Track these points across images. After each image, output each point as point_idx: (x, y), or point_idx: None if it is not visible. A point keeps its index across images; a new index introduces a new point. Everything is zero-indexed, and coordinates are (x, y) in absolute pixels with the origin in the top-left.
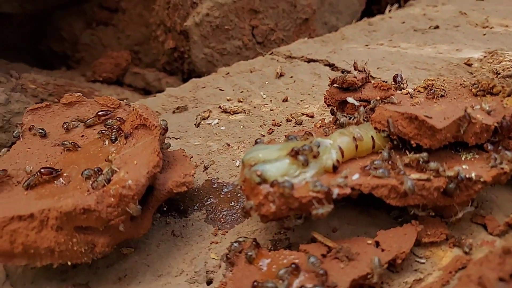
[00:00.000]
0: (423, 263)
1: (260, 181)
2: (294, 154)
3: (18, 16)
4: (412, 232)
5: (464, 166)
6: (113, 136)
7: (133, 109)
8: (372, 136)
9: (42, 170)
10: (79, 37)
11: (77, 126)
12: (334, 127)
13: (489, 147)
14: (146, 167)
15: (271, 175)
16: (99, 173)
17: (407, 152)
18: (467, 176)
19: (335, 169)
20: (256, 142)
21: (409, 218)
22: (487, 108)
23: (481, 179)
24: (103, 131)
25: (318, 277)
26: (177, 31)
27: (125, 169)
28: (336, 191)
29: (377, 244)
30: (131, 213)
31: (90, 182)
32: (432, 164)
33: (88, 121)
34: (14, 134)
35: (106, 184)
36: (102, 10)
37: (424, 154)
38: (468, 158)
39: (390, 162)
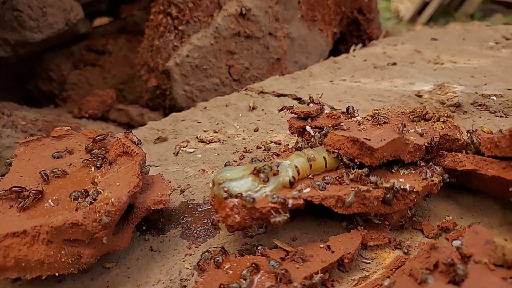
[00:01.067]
0: (369, 263)
1: (227, 196)
2: (256, 172)
3: (10, 59)
4: (358, 236)
5: (401, 180)
6: (98, 163)
7: (117, 139)
8: (324, 157)
9: (33, 192)
10: (66, 77)
11: (64, 157)
12: (295, 150)
13: (422, 163)
14: (128, 187)
15: (236, 190)
16: (86, 194)
17: (352, 169)
18: (402, 187)
19: (291, 184)
20: (225, 165)
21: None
22: (420, 131)
23: (414, 189)
24: (88, 159)
25: (278, 276)
26: (160, 71)
27: (109, 190)
28: (291, 202)
29: (328, 247)
30: (102, 222)
31: (77, 203)
32: (372, 178)
33: (88, 146)
34: (7, 161)
35: (91, 203)
36: (90, 52)
37: (365, 170)
38: (405, 174)
39: (337, 178)
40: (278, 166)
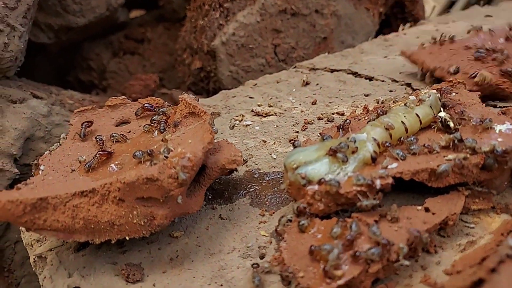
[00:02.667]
0: (473, 227)
1: (306, 182)
2: (333, 153)
3: (52, 48)
4: (460, 197)
5: (499, 139)
6: (161, 127)
7: (181, 99)
8: (402, 121)
9: (100, 152)
10: (106, 66)
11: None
12: (366, 118)
13: None
14: (201, 143)
15: (315, 176)
16: (151, 153)
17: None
18: (504, 148)
19: (374, 160)
20: (294, 145)
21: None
22: None
23: None
24: (150, 124)
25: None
26: (204, 52)
27: (182, 147)
28: (378, 182)
29: (427, 210)
30: (179, 179)
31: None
32: (468, 142)
33: (137, 111)
34: (62, 136)
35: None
36: (129, 40)
37: (458, 134)
38: (502, 130)
39: (426, 145)
40: (355, 141)
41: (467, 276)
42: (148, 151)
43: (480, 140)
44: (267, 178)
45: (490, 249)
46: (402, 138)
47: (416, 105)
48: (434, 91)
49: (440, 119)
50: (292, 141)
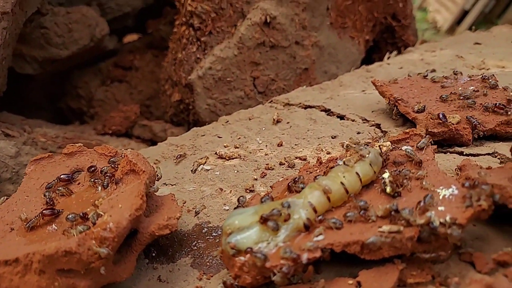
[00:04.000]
0: None
1: (235, 252)
2: (264, 221)
3: (40, 78)
4: (394, 271)
5: (440, 208)
6: (105, 183)
7: (123, 156)
8: (341, 182)
9: (44, 212)
10: (94, 94)
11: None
12: (318, 171)
13: (465, 184)
14: (129, 210)
15: (244, 246)
16: (84, 217)
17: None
18: (441, 221)
19: (307, 228)
20: (238, 203)
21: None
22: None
23: (456, 222)
24: (95, 179)
25: None
26: (183, 84)
27: (110, 213)
28: (305, 256)
29: (359, 284)
30: (99, 253)
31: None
32: (404, 213)
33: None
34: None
35: (88, 228)
36: (117, 68)
37: (394, 204)
38: (445, 196)
39: (362, 212)
40: (288, 207)
41: None
42: (81, 214)
43: (417, 211)
44: (214, 234)
45: None
46: (350, 200)
47: (355, 162)
48: (376, 147)
49: (383, 180)
50: (246, 191)
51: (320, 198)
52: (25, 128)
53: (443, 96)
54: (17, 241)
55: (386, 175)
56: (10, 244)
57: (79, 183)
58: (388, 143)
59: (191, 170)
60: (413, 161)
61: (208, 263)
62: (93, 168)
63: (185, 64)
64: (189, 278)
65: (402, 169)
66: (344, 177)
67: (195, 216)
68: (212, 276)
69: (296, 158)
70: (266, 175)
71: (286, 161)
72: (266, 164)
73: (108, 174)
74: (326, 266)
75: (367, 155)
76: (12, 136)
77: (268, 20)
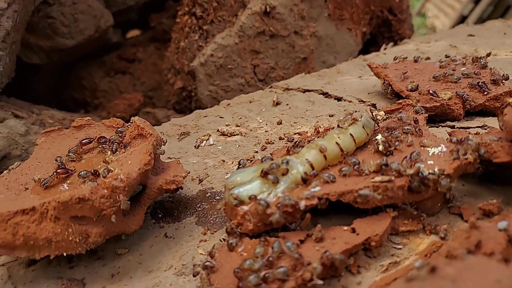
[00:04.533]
0: (400, 248)
1: (237, 203)
2: (264, 174)
3: (46, 68)
4: (386, 218)
5: (429, 162)
6: (114, 148)
7: (132, 121)
8: (336, 142)
9: (58, 171)
10: (98, 85)
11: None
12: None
13: (452, 139)
14: (138, 164)
15: (246, 196)
16: (95, 173)
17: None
18: (430, 171)
19: (304, 181)
20: (238, 165)
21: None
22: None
23: (445, 173)
24: (103, 145)
25: (293, 261)
26: (185, 72)
27: (120, 168)
28: (303, 203)
29: (353, 230)
30: (121, 205)
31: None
32: (394, 165)
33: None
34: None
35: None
36: (121, 60)
37: (384, 159)
38: (435, 153)
39: (356, 167)
40: (286, 163)
41: None
42: (92, 170)
43: (407, 163)
44: (217, 197)
45: (409, 270)
46: (344, 158)
47: (349, 125)
48: (367, 111)
49: (376, 141)
50: (240, 161)
51: (316, 156)
52: (33, 111)
53: (435, 75)
54: (32, 198)
55: (379, 136)
56: (26, 200)
57: (87, 152)
58: (382, 112)
59: (194, 146)
60: (405, 125)
61: (212, 221)
62: (103, 139)
63: (187, 52)
64: (194, 233)
65: (394, 132)
66: (339, 137)
67: (199, 183)
68: (216, 231)
69: (295, 134)
70: (266, 148)
71: (285, 136)
72: (266, 139)
73: (116, 141)
74: (323, 219)
75: (360, 119)
76: (21, 117)
77: (268, 10)
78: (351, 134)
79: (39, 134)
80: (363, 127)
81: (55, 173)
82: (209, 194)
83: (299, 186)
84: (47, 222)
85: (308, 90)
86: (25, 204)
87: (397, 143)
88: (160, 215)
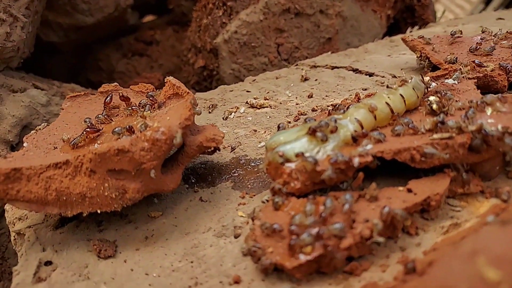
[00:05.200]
0: (459, 211)
1: (283, 161)
2: (312, 131)
3: (63, 48)
4: (445, 178)
5: (489, 120)
6: (147, 109)
7: (167, 81)
8: (386, 103)
9: (87, 129)
10: (115, 67)
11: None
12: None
13: None
14: (178, 119)
15: (293, 154)
16: (130, 129)
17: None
18: (492, 128)
19: (355, 140)
20: (278, 127)
21: None
22: None
23: (509, 131)
24: (132, 107)
25: (349, 217)
26: (207, 50)
27: (159, 123)
28: (356, 160)
29: (409, 190)
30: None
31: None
32: (451, 123)
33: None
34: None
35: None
36: (138, 42)
37: (441, 116)
38: (495, 112)
39: (410, 125)
40: (335, 121)
41: (444, 252)
42: (127, 126)
43: (468, 120)
44: (252, 164)
45: (473, 230)
46: (395, 119)
47: (399, 86)
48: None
49: (428, 102)
50: (280, 124)
51: (366, 115)
52: (54, 83)
53: (472, 47)
54: (62, 155)
55: (431, 97)
56: (54, 156)
57: (117, 115)
58: (428, 78)
59: (223, 118)
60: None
61: (249, 186)
62: (129, 101)
63: (210, 29)
64: (231, 197)
65: (447, 93)
66: (389, 97)
67: (231, 151)
68: (254, 195)
69: (329, 105)
70: (299, 119)
71: (318, 108)
72: (298, 111)
73: (148, 103)
74: (375, 181)
75: (410, 80)
76: (42, 89)
77: None
78: (401, 95)
79: (65, 99)
80: (413, 89)
81: (84, 132)
82: (243, 161)
83: (348, 144)
84: (81, 176)
85: (337, 67)
86: (56, 158)
87: (449, 103)
88: (193, 181)
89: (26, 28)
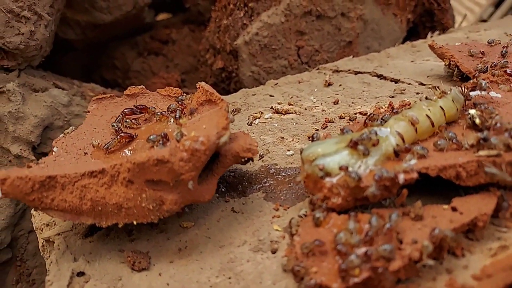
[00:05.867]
0: (505, 232)
1: (323, 174)
2: (353, 144)
3: (79, 46)
4: (491, 198)
5: None
6: (177, 115)
7: (199, 86)
8: (427, 115)
9: (122, 134)
10: (130, 65)
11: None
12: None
13: None
14: (216, 128)
15: (334, 168)
16: (165, 137)
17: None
18: None
19: (397, 154)
20: (312, 138)
21: None
22: None
23: None
24: (162, 112)
25: (391, 234)
26: (227, 51)
27: (195, 132)
28: (402, 177)
29: (454, 209)
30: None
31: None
32: (494, 140)
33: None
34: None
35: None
36: (154, 41)
37: (485, 133)
38: None
39: (455, 141)
40: (376, 134)
41: (499, 280)
42: (163, 133)
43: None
44: (283, 174)
45: None
46: (439, 132)
47: (439, 97)
48: (456, 87)
49: (469, 115)
50: (315, 135)
51: (407, 128)
52: (74, 82)
53: (503, 51)
54: (94, 162)
55: (472, 111)
56: (89, 163)
57: (145, 120)
58: (466, 89)
59: (247, 123)
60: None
61: (282, 197)
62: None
63: (231, 30)
64: (265, 209)
65: (488, 107)
66: (429, 110)
67: (260, 159)
68: (288, 208)
69: (356, 113)
70: (327, 126)
71: (346, 115)
72: (325, 118)
73: (178, 108)
74: (415, 198)
75: (449, 92)
76: (63, 89)
77: None
78: (441, 107)
79: (91, 101)
80: (452, 101)
81: (118, 137)
82: (273, 170)
83: (390, 159)
84: (118, 186)
85: (360, 72)
86: (91, 166)
87: (491, 117)
88: (223, 190)
89: (50, 27)
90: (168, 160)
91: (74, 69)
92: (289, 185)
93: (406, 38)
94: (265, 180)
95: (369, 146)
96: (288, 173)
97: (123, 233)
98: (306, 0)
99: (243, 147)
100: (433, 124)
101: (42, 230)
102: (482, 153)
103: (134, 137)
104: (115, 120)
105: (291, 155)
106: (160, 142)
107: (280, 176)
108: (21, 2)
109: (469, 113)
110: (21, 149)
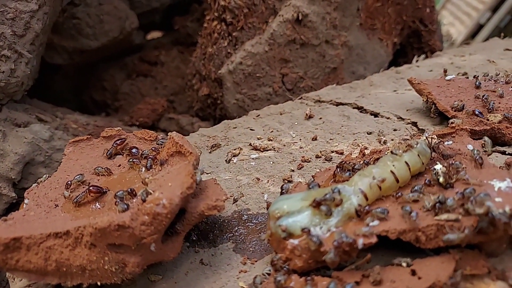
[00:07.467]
0: None
1: (286, 235)
2: (316, 204)
3: (67, 68)
4: (450, 261)
5: (497, 199)
6: (148, 164)
7: (169, 137)
8: (391, 171)
9: (91, 188)
10: (119, 87)
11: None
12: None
13: None
14: (180, 188)
15: (296, 229)
16: (133, 193)
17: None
18: (500, 211)
19: (358, 215)
20: (281, 190)
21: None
22: None
23: None
24: (134, 160)
25: None
26: (212, 79)
27: (160, 191)
28: (361, 241)
29: (413, 272)
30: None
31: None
32: (450, 202)
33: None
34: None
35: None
36: (143, 63)
37: (442, 196)
38: (501, 188)
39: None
40: (338, 193)
41: None
42: (129, 189)
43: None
44: (255, 221)
45: None
46: (399, 193)
47: (404, 152)
48: (423, 138)
49: (435, 171)
50: (284, 181)
51: (370, 185)
52: (57, 114)
53: (479, 94)
54: (63, 217)
55: (438, 166)
56: (57, 219)
57: (119, 165)
58: (435, 136)
59: (225, 160)
60: (472, 160)
61: (251, 249)
62: (135, 150)
63: (215, 59)
64: (233, 262)
65: (454, 162)
66: (393, 165)
67: (233, 203)
68: (256, 261)
69: (333, 152)
70: (303, 167)
71: (322, 155)
72: (302, 157)
73: (150, 156)
74: (374, 255)
75: (415, 146)
76: (45, 121)
77: (300, 18)
78: (406, 162)
79: (67, 144)
80: (418, 155)
81: (87, 191)
82: (245, 217)
83: (352, 218)
84: (82, 248)
85: (342, 103)
86: (57, 225)
87: (455, 174)
88: (194, 238)
89: (31, 63)
90: (129, 225)
91: (65, 89)
92: (259, 234)
93: (394, 59)
94: (236, 228)
95: (332, 206)
96: (260, 220)
97: (93, 285)
98: (289, 29)
99: (209, 205)
100: (397, 180)
101: (14, 279)
102: (442, 217)
103: (104, 191)
104: (106, 153)
105: (265, 199)
106: (123, 201)
107: (251, 224)
108: (1, 41)
109: (435, 169)
110: (1, 186)
